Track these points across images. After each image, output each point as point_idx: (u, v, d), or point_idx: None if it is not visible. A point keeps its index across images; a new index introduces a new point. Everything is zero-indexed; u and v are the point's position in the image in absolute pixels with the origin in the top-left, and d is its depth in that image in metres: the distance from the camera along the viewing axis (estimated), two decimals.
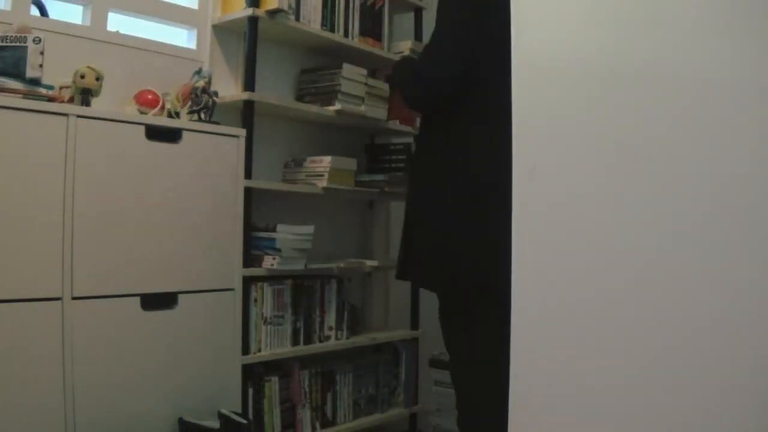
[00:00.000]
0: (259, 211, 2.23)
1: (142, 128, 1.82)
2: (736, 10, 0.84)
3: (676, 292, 0.86)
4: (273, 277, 2.23)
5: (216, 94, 2.07)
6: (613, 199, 0.92)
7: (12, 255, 1.57)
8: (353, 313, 2.58)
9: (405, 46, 2.70)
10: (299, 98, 2.54)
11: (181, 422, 1.85)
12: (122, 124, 1.79)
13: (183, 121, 1.99)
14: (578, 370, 0.95)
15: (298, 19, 2.34)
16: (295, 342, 2.31)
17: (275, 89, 2.47)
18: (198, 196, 1.94)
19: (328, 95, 2.45)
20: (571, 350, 0.96)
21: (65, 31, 1.97)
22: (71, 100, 1.77)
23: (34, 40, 1.66)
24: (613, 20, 0.94)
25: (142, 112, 1.95)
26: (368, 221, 2.88)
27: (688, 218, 0.85)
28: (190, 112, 2.04)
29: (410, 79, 2.02)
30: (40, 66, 1.67)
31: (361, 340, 2.55)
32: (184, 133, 1.92)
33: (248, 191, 2.11)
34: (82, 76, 1.76)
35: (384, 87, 2.62)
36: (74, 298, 1.66)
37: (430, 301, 2.27)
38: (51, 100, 1.69)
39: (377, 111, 2.57)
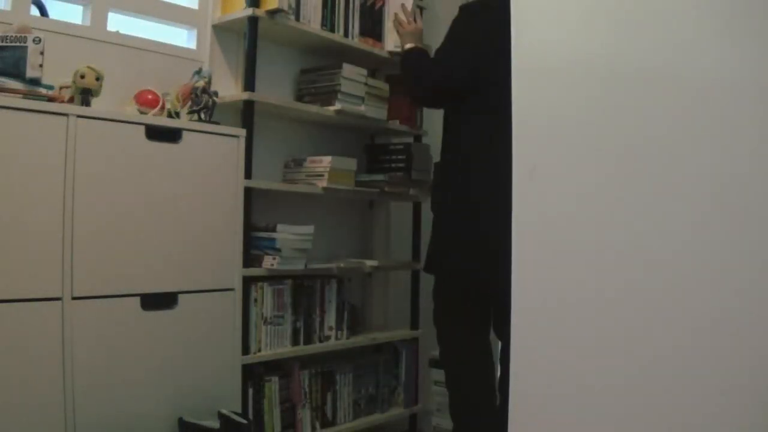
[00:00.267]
0: (259, 211, 2.23)
1: (142, 128, 1.82)
2: (736, 10, 0.84)
3: (676, 292, 0.86)
4: (273, 277, 2.23)
5: (216, 94, 2.07)
6: (613, 199, 0.92)
7: (12, 255, 1.57)
8: (353, 313, 2.58)
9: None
10: (299, 98, 2.54)
11: (181, 422, 1.85)
12: (122, 124, 1.79)
13: (183, 121, 1.99)
14: (578, 370, 0.95)
15: (298, 19, 2.34)
16: (295, 342, 2.31)
17: (275, 89, 2.47)
18: (198, 196, 1.94)
19: (328, 95, 2.45)
20: (571, 350, 0.96)
21: (65, 31, 1.97)
22: (71, 100, 1.77)
23: (34, 40, 1.65)
24: (613, 20, 0.94)
25: (142, 112, 1.95)
26: (368, 221, 2.88)
27: (688, 218, 0.85)
28: (190, 112, 2.04)
29: (417, 75, 2.17)
30: (40, 66, 1.67)
31: (361, 340, 2.55)
32: (184, 133, 1.92)
33: (248, 191, 2.11)
34: (82, 76, 1.76)
35: (384, 87, 2.62)
36: (74, 298, 1.66)
37: (430, 301, 2.27)
38: (51, 100, 1.69)
39: (377, 111, 2.57)
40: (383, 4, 2.66)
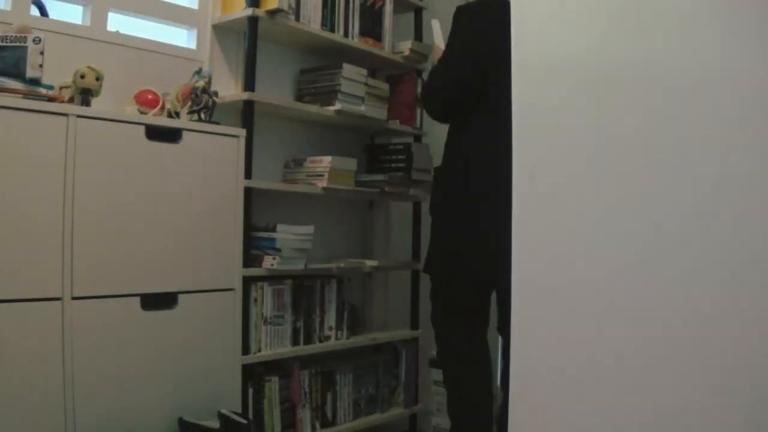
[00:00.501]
0: (259, 211, 2.23)
1: (142, 128, 1.82)
2: (736, 10, 0.84)
3: (676, 292, 0.86)
4: (273, 277, 2.23)
5: (216, 94, 2.07)
6: (613, 199, 0.92)
7: (12, 255, 1.57)
8: (353, 313, 2.58)
9: (405, 47, 2.70)
10: (299, 98, 2.54)
11: (181, 422, 1.85)
12: (122, 124, 1.79)
13: (183, 121, 1.99)
14: (578, 370, 0.95)
15: (298, 19, 2.34)
16: (295, 342, 2.31)
17: (275, 89, 2.47)
18: (198, 196, 1.94)
19: (327, 95, 2.45)
20: (571, 350, 0.96)
21: (65, 31, 1.97)
22: (71, 100, 1.77)
23: (34, 40, 1.65)
24: (614, 20, 0.94)
25: (142, 112, 1.95)
26: (368, 221, 2.88)
27: (688, 218, 0.85)
28: (190, 112, 2.04)
29: (427, 94, 2.21)
30: (40, 66, 1.67)
31: (361, 340, 2.55)
32: (184, 133, 1.92)
33: (248, 191, 2.11)
34: (82, 76, 1.76)
35: (384, 87, 2.62)
36: (74, 298, 1.66)
37: (430, 301, 2.27)
38: (51, 100, 1.69)
39: (377, 111, 2.57)
40: (383, 4, 2.66)
